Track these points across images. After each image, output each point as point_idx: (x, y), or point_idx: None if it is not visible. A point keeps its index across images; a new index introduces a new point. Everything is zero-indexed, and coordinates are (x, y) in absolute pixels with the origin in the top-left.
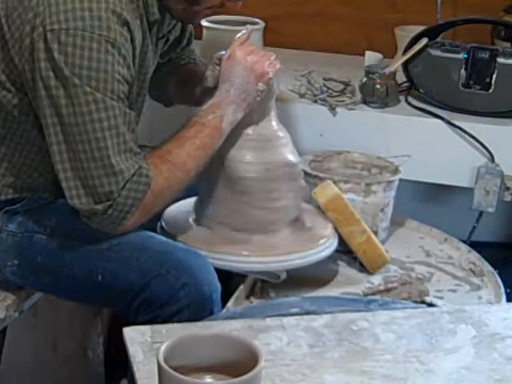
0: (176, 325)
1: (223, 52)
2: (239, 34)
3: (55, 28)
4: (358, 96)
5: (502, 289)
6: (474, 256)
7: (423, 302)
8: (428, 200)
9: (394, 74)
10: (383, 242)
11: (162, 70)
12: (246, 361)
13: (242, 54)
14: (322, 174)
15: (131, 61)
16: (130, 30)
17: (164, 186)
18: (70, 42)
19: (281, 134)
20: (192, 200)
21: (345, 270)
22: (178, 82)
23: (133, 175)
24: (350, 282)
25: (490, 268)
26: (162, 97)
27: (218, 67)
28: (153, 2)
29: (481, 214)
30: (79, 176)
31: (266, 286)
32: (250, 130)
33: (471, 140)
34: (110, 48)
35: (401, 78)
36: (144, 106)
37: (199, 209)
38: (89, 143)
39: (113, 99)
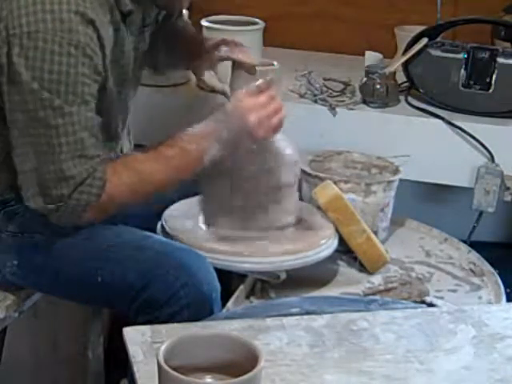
0: (176, 325)
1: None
2: (258, 83)
3: (17, 32)
4: (358, 96)
5: (502, 289)
6: (474, 256)
7: (423, 302)
8: (428, 200)
9: (393, 74)
10: (383, 242)
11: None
12: (246, 361)
13: (249, 110)
14: (322, 174)
15: (101, 59)
16: (95, 28)
17: (122, 190)
18: (31, 46)
19: (280, 134)
20: (192, 200)
21: (345, 270)
22: (169, 43)
23: (86, 179)
24: (349, 282)
25: (490, 268)
26: (152, 61)
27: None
28: None
29: (481, 213)
30: (33, 177)
31: (266, 286)
32: None
33: (471, 140)
34: (72, 50)
35: (401, 78)
36: (144, 106)
37: (199, 209)
38: (43, 147)
39: (73, 104)
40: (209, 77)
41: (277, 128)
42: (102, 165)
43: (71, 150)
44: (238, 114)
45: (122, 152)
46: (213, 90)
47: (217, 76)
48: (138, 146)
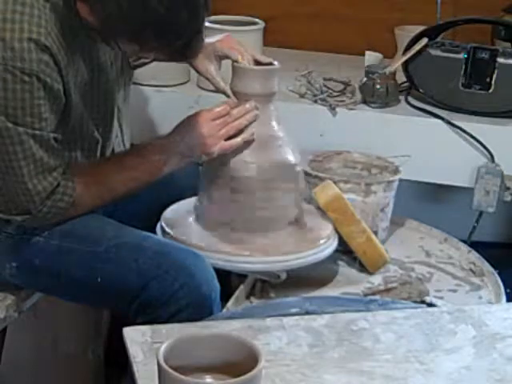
0: (176, 325)
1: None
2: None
3: None
4: (358, 96)
5: (502, 289)
6: (474, 256)
7: (423, 302)
8: (428, 200)
9: (393, 74)
10: (383, 242)
11: None
12: (246, 361)
13: (204, 123)
14: (322, 174)
15: (59, 82)
16: (51, 53)
17: (87, 203)
18: None
19: (281, 134)
20: (192, 200)
21: (345, 269)
22: None
23: (52, 192)
24: (349, 282)
25: (490, 268)
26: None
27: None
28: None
29: (481, 214)
30: (0, 192)
31: (266, 286)
32: None
33: (471, 140)
34: (26, 78)
35: (401, 78)
36: (144, 106)
37: (199, 209)
38: (6, 168)
39: (32, 127)
40: (214, 74)
41: (224, 148)
42: (68, 177)
43: (32, 169)
44: (193, 129)
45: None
46: (214, 90)
47: (220, 74)
48: None
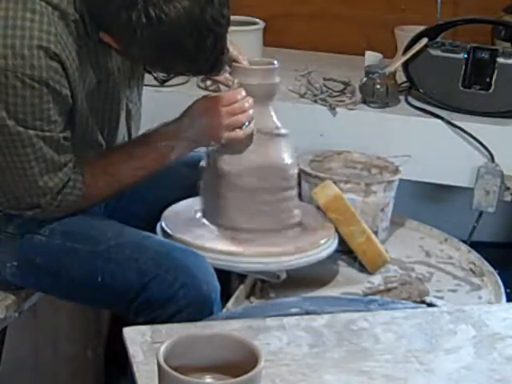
0: (176, 325)
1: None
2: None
3: None
4: (358, 96)
5: (502, 289)
6: (474, 256)
7: (423, 302)
8: (428, 200)
9: (394, 74)
10: (383, 242)
11: None
12: (246, 361)
13: (215, 109)
14: (322, 174)
15: (67, 88)
16: (60, 61)
17: (97, 195)
18: None
19: (280, 134)
20: (192, 200)
21: (345, 269)
22: None
23: (62, 188)
24: (349, 282)
25: (490, 268)
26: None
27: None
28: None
29: (481, 214)
30: (10, 188)
31: (265, 286)
32: None
33: (471, 140)
34: (35, 85)
35: (401, 77)
36: (144, 106)
37: (199, 209)
38: (16, 169)
39: (41, 130)
40: None
41: (232, 137)
42: (77, 170)
43: (43, 168)
44: (203, 112)
45: None
46: (214, 90)
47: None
48: None
